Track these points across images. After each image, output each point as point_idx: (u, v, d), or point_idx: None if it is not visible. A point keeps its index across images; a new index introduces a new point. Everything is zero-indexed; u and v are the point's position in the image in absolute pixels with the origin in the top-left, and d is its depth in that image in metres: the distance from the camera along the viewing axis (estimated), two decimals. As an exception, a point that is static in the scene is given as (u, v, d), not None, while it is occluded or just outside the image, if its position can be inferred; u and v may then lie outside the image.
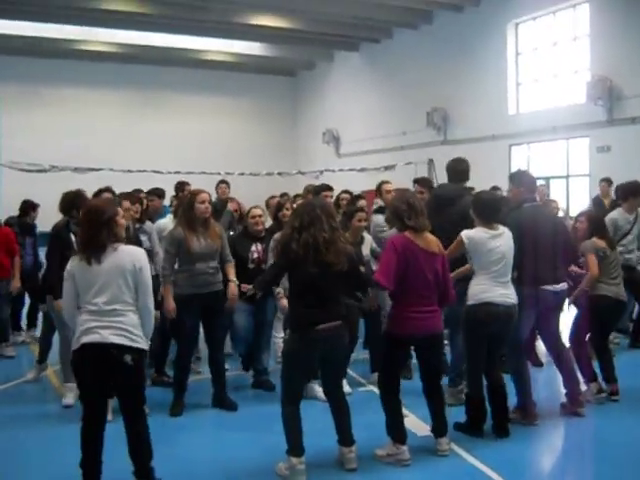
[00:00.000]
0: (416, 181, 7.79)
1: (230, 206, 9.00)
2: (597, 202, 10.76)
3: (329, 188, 8.45)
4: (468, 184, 6.53)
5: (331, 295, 4.64)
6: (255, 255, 6.61)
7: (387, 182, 8.37)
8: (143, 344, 4.21)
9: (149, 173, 16.16)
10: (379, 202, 8.23)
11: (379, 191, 8.27)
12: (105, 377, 4.14)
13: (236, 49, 24.58)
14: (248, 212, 6.88)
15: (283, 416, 4.70)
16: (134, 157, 22.27)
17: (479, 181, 7.64)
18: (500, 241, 5.23)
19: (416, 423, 5.44)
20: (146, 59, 25.28)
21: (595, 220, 6.51)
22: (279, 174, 19.16)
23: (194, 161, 21.23)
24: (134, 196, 6.99)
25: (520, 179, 6.04)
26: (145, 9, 19.57)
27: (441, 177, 18.04)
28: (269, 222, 7.47)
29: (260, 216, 6.76)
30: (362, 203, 7.65)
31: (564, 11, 16.98)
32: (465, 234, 5.28)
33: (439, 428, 5.05)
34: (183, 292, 5.95)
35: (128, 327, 4.13)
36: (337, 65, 26.52)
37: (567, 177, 17.05)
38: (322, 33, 22.64)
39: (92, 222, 4.18)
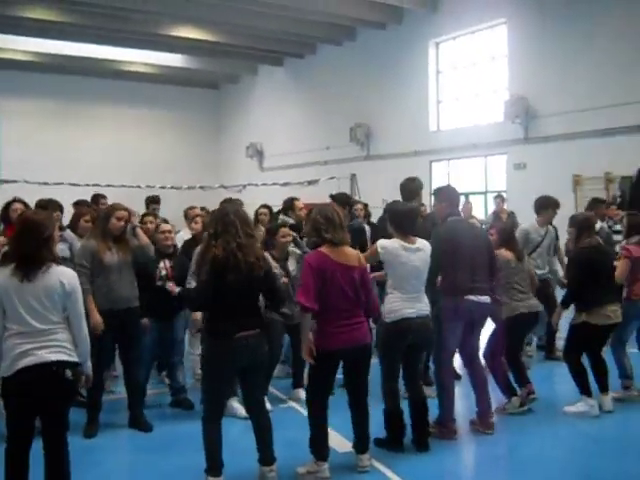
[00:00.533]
0: (332, 197, 7.81)
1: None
2: (495, 217, 11.31)
3: (241, 203, 8.26)
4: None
5: (249, 303, 4.60)
6: (163, 272, 6.35)
7: (297, 199, 8.39)
8: (77, 358, 4.06)
9: (66, 186, 15.71)
10: (286, 218, 8.16)
11: (291, 207, 8.24)
12: (41, 398, 3.92)
13: (158, 60, 24.26)
14: (157, 227, 6.64)
15: (203, 433, 4.59)
16: (51, 169, 21.58)
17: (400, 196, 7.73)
18: (415, 256, 5.24)
19: (337, 439, 5.40)
20: (65, 69, 24.63)
21: (503, 232, 6.55)
22: (201, 188, 19.00)
23: (114, 174, 20.80)
24: (54, 202, 6.80)
25: (444, 194, 6.09)
26: (65, 18, 19.08)
27: (363, 192, 18.25)
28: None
29: (170, 231, 6.59)
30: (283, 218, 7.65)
31: (483, 31, 17.46)
32: (380, 244, 5.30)
33: (361, 444, 5.02)
34: (99, 308, 5.76)
35: (64, 343, 3.98)
36: (261, 79, 26.51)
37: (485, 193, 17.46)
38: (246, 47, 22.60)
39: (32, 238, 3.96)
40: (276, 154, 24.80)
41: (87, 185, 15.85)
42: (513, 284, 6.27)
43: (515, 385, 6.31)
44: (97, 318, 5.68)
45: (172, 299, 6.26)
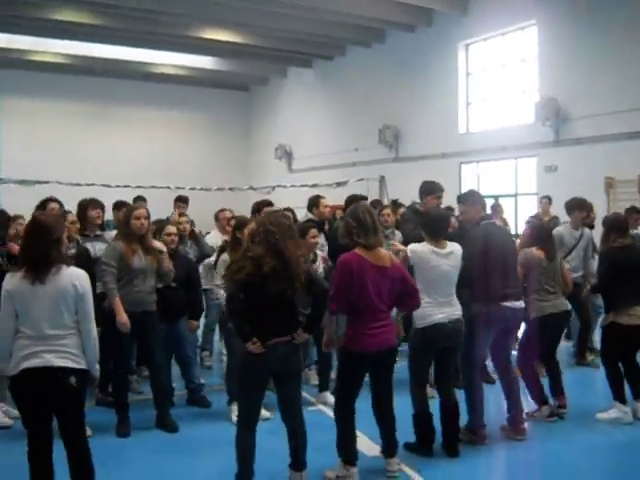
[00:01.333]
0: (347, 201, 7.82)
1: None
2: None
3: (269, 204, 8.24)
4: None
5: (284, 311, 4.53)
6: None
7: (322, 197, 8.31)
8: (84, 365, 4.09)
9: (98, 187, 15.87)
10: (309, 215, 8.16)
11: (315, 205, 8.22)
12: (48, 400, 3.98)
13: (189, 63, 24.40)
14: (163, 228, 6.66)
15: (236, 438, 4.58)
16: (83, 170, 21.80)
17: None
18: (445, 260, 5.24)
19: (366, 443, 5.39)
20: (97, 71, 24.88)
21: (537, 229, 6.45)
22: (230, 189, 19.07)
23: (144, 175, 20.98)
24: (98, 202, 6.90)
25: (474, 198, 6.07)
26: (96, 20, 19.27)
27: (392, 194, 18.18)
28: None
29: (175, 234, 6.65)
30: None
31: (513, 33, 17.31)
32: (410, 248, 5.33)
33: (389, 448, 5.01)
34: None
35: (71, 349, 4.01)
36: (290, 81, 26.56)
37: (515, 195, 17.31)
38: (276, 49, 22.65)
39: (41, 240, 4.00)
40: (305, 156, 24.82)
41: (118, 186, 16.06)
42: (543, 284, 6.20)
43: (549, 393, 6.26)
44: (124, 318, 5.71)
45: (176, 300, 6.36)
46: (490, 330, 5.59)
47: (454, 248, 5.36)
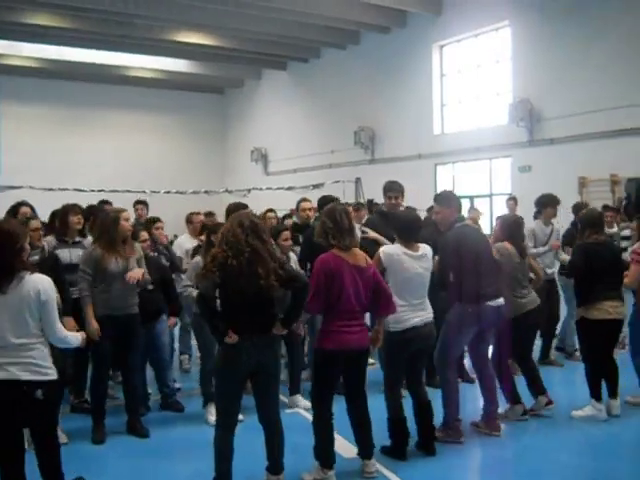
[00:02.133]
0: (319, 203, 7.80)
1: None
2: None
3: (244, 206, 8.15)
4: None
5: (258, 310, 4.47)
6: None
7: (306, 200, 8.26)
8: (53, 375, 4.01)
9: (71, 192, 15.74)
10: (294, 219, 8.20)
11: (297, 208, 8.22)
12: (14, 413, 3.89)
13: (164, 66, 24.28)
14: (137, 234, 6.60)
15: (214, 441, 4.53)
16: (55, 174, 21.62)
17: (407, 199, 7.73)
18: (417, 263, 5.26)
19: (343, 444, 5.37)
20: (70, 75, 24.67)
21: (508, 225, 6.40)
22: (206, 192, 19.00)
23: (119, 179, 20.82)
24: (79, 207, 6.82)
25: (448, 199, 6.05)
26: (69, 24, 19.10)
27: (368, 195, 18.22)
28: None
29: (148, 239, 6.71)
30: (289, 222, 7.66)
31: (487, 34, 17.43)
32: (382, 249, 5.35)
33: (365, 450, 4.99)
34: (97, 313, 5.76)
35: (38, 361, 3.92)
36: (265, 83, 26.51)
37: (490, 196, 17.42)
38: (250, 51, 22.60)
39: (4, 249, 3.89)
40: (281, 158, 24.80)
41: (92, 191, 15.91)
42: (520, 280, 6.19)
43: (530, 391, 6.27)
44: (94, 325, 5.70)
45: (152, 303, 6.33)
46: (465, 329, 5.62)
47: (426, 250, 5.38)
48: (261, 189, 20.00)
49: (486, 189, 17.53)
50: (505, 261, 6.04)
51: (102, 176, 22.32)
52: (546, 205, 8.15)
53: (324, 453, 4.82)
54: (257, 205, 9.21)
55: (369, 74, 20.48)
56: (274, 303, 4.56)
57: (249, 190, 20.70)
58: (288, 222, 8.04)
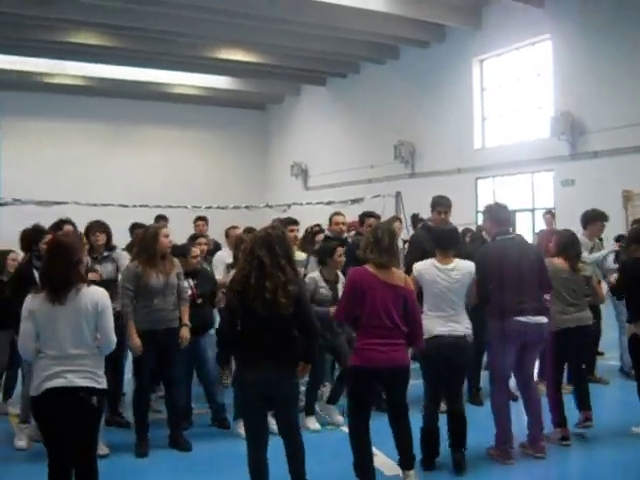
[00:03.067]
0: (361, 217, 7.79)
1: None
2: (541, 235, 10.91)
3: (294, 222, 8.10)
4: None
5: (275, 335, 4.36)
6: (189, 292, 6.39)
7: (339, 214, 8.23)
8: (105, 384, 4.12)
9: (115, 207, 15.96)
10: (327, 232, 8.14)
11: (330, 221, 8.19)
12: (69, 420, 3.97)
13: (205, 83, 24.64)
14: (189, 250, 6.69)
15: (247, 460, 4.48)
16: (100, 191, 22.00)
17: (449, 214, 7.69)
18: (447, 275, 5.29)
19: (384, 461, 5.34)
20: (114, 92, 25.19)
21: (561, 238, 6.22)
22: (247, 207, 19.09)
23: (161, 195, 21.06)
24: (98, 226, 6.89)
25: (488, 212, 6.02)
26: (113, 42, 19.56)
27: (408, 210, 18.11)
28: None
29: (198, 256, 6.71)
30: (320, 237, 7.72)
31: (527, 47, 17.32)
32: (415, 266, 5.46)
33: (406, 461, 4.95)
34: (139, 328, 5.82)
35: (94, 370, 4.04)
36: (305, 99, 26.69)
37: (533, 210, 17.22)
38: (290, 67, 22.82)
39: (62, 261, 4.02)
40: (320, 173, 24.89)
41: (135, 206, 16.12)
42: (563, 295, 5.98)
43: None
44: (136, 341, 5.76)
45: (199, 317, 6.35)
46: (507, 345, 5.49)
47: (460, 264, 5.37)
48: (301, 204, 20.03)
49: (528, 203, 17.34)
50: (552, 277, 5.91)
51: (144, 192, 22.62)
52: (591, 220, 7.94)
53: (361, 469, 4.79)
54: (298, 220, 9.20)
55: (408, 89, 20.47)
56: (289, 324, 4.39)
57: (289, 205, 20.72)
58: (319, 237, 7.97)
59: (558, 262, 6.03)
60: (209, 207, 17.11)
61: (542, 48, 16.86)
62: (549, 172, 16.48)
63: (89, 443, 4.14)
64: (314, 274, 6.45)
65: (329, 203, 19.21)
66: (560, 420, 5.95)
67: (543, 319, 5.57)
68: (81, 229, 7.25)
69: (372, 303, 4.72)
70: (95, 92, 25.13)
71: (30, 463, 5.53)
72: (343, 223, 8.04)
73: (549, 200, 16.44)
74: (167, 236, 6.02)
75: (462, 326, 5.30)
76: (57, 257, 4.06)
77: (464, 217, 9.92)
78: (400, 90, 20.84)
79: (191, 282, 6.47)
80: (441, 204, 6.92)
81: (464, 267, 5.39)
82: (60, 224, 7.16)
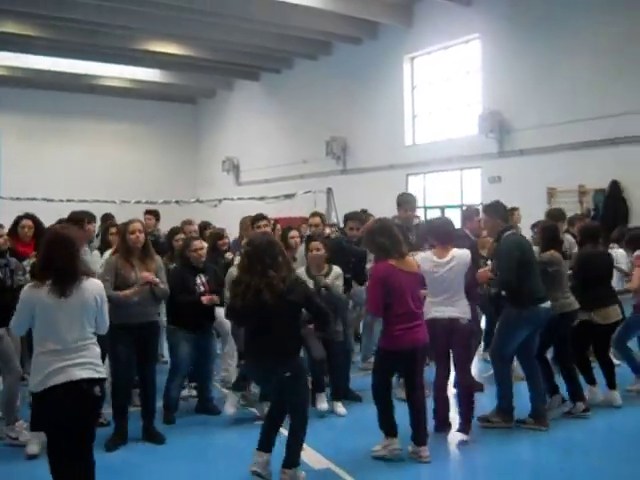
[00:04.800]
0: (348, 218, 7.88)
1: None
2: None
3: (264, 217, 7.96)
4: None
5: (276, 334, 4.79)
6: (202, 288, 6.54)
7: (315, 215, 8.46)
8: (104, 373, 4.18)
9: (39, 201, 15.53)
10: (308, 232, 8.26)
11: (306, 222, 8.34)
12: (74, 413, 3.96)
13: (135, 75, 24.18)
14: (189, 244, 6.73)
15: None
16: (25, 184, 21.34)
17: (379, 209, 7.77)
18: (443, 268, 5.77)
19: (312, 455, 5.36)
20: (40, 84, 24.46)
21: (547, 231, 6.72)
22: (177, 202, 18.87)
23: (89, 189, 20.64)
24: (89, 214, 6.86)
25: (496, 210, 6.42)
26: (39, 32, 18.95)
27: (340, 206, 18.25)
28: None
29: (202, 248, 6.75)
30: (294, 233, 7.72)
31: (457, 46, 17.59)
32: (417, 257, 5.81)
33: (419, 437, 5.39)
34: (115, 321, 5.66)
35: (93, 360, 4.06)
36: (237, 94, 26.51)
37: (461, 206, 17.50)
38: (222, 61, 22.60)
39: (68, 252, 4.02)
40: (252, 168, 24.78)
41: (61, 200, 15.72)
42: (566, 282, 6.57)
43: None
44: (126, 293, 5.81)
45: (204, 313, 6.53)
46: (525, 330, 6.02)
47: (457, 255, 5.83)
48: (232, 199, 19.91)
49: (457, 199, 17.65)
50: (561, 268, 6.51)
51: (72, 185, 22.10)
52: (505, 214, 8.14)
53: (387, 424, 5.39)
54: (228, 216, 9.14)
55: (341, 85, 20.55)
56: (282, 321, 4.81)
57: (220, 200, 20.60)
58: (293, 233, 7.92)
59: (557, 254, 6.54)
60: (138, 202, 16.84)
61: (471, 47, 17.15)
62: (477, 169, 16.80)
63: (90, 433, 4.12)
64: (299, 270, 6.51)
65: (261, 199, 19.17)
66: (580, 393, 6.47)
67: (549, 303, 6.10)
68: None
69: (404, 294, 5.28)
70: (20, 83, 24.31)
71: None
72: (317, 225, 8.23)
73: (477, 196, 16.75)
74: (134, 232, 5.95)
75: (457, 310, 5.81)
76: (60, 248, 4.03)
77: (395, 213, 9.98)
78: (333, 86, 20.89)
79: (203, 278, 6.61)
80: (409, 202, 7.23)
81: (460, 257, 5.82)
82: (20, 219, 7.34)
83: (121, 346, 5.83)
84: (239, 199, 19.73)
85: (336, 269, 6.71)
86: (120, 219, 9.49)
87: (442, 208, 17.15)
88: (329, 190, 19.32)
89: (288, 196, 18.87)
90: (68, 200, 15.10)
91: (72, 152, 25.97)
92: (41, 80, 24.00)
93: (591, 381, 6.72)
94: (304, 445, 4.97)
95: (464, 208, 7.36)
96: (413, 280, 5.40)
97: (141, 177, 26.30)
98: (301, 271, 6.51)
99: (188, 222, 8.48)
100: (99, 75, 23.90)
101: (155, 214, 9.85)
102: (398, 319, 5.27)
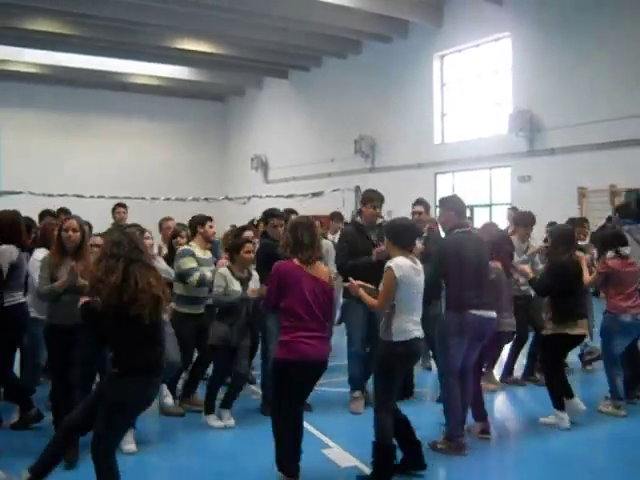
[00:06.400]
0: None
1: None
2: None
3: (210, 219, 7.25)
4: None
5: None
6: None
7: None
8: None
9: (70, 197, 15.70)
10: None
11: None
12: None
13: (164, 73, 24.36)
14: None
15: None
16: (58, 181, 21.63)
17: (407, 208, 7.71)
18: (419, 277, 4.95)
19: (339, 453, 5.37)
20: (73, 81, 24.75)
21: (495, 238, 6.42)
22: (205, 199, 18.98)
23: (120, 185, 20.81)
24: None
25: (450, 203, 5.88)
26: (70, 30, 19.19)
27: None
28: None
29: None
30: (248, 234, 7.15)
31: (487, 44, 17.49)
32: (395, 262, 4.88)
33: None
34: (49, 322, 5.56)
35: None
36: (266, 92, 26.58)
37: (490, 205, 17.42)
38: (252, 60, 22.68)
39: None
40: (281, 166, 24.83)
41: (92, 197, 15.91)
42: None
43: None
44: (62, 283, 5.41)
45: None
46: (463, 338, 5.46)
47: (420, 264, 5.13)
48: (261, 197, 19.98)
49: (486, 198, 17.53)
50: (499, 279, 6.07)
51: (102, 182, 22.36)
52: (522, 224, 7.72)
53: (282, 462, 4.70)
54: (257, 213, 9.12)
55: (370, 83, 20.52)
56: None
57: (249, 198, 20.69)
58: (247, 234, 7.56)
59: (494, 264, 6.13)
60: (167, 199, 17.01)
61: (501, 46, 17.03)
62: (507, 168, 16.68)
63: None
64: (222, 269, 6.18)
65: (289, 196, 19.22)
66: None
67: (494, 314, 5.61)
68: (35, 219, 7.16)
69: (302, 293, 4.66)
70: (52, 81, 24.64)
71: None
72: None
73: (506, 196, 16.64)
74: (67, 230, 5.53)
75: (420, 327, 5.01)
76: None
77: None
78: (362, 84, 20.87)
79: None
80: (375, 199, 6.70)
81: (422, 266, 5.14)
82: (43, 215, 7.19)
83: (54, 348, 5.50)
84: (267, 197, 19.80)
85: (255, 275, 6.36)
86: (151, 216, 9.61)
87: (471, 207, 17.03)
88: (357, 188, 19.27)
89: (316, 194, 18.89)
90: (99, 196, 15.27)
91: (101, 149, 26.24)
92: (70, 78, 24.25)
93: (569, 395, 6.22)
94: (331, 443, 4.90)
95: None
96: (320, 286, 4.73)
97: (170, 174, 26.49)
98: (223, 270, 6.18)
99: (167, 218, 8.24)
100: (129, 73, 24.15)
101: (125, 207, 9.62)
102: (297, 325, 4.65)
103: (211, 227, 6.84)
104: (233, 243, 6.47)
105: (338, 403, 6.55)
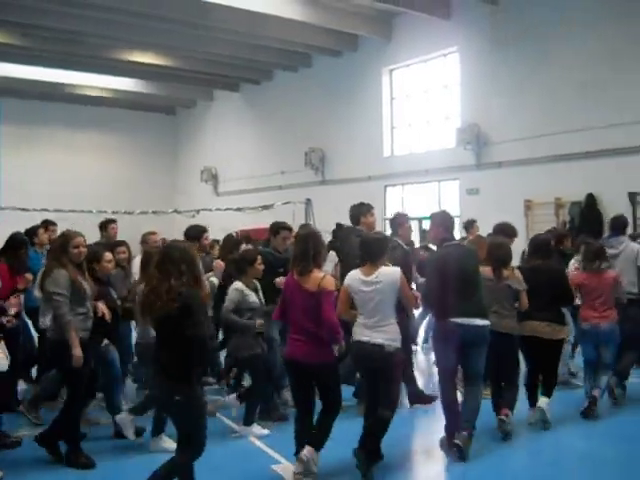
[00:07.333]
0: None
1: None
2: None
3: (204, 230, 8.06)
4: None
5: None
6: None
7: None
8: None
9: (14, 210, 15.33)
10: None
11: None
12: None
13: (114, 85, 24.05)
14: (101, 256, 6.34)
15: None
16: (5, 194, 21.11)
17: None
18: (369, 287, 5.36)
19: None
20: (18, 93, 24.25)
21: (489, 245, 6.67)
22: (154, 212, 18.76)
23: (65, 198, 20.46)
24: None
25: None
26: (16, 41, 18.81)
27: (318, 217, 18.26)
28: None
29: (111, 261, 6.43)
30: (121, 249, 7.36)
31: (436, 60, 17.72)
32: (347, 277, 5.61)
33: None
34: (59, 337, 5.45)
35: None
36: (217, 104, 26.48)
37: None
38: (203, 72, 22.57)
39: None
40: (231, 179, 24.73)
41: (35, 210, 15.54)
42: (491, 302, 6.14)
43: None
44: (80, 352, 5.35)
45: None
46: (447, 345, 5.77)
47: (382, 273, 5.36)
48: (210, 210, 19.85)
49: (435, 211, 17.64)
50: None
51: (49, 195, 21.89)
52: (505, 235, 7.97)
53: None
54: (207, 226, 9.05)
55: (320, 96, 20.61)
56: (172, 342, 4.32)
57: (198, 211, 20.52)
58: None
59: (484, 269, 6.27)
60: (115, 212, 16.70)
61: (450, 60, 17.27)
62: (455, 181, 16.89)
63: None
64: (237, 284, 6.32)
65: (239, 209, 19.13)
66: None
67: (482, 321, 5.78)
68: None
69: (294, 305, 5.26)
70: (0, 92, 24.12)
71: None
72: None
73: (455, 208, 16.81)
74: (77, 247, 5.67)
75: (383, 337, 5.27)
76: None
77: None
78: (312, 98, 20.94)
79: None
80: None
81: (387, 276, 5.37)
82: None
83: (84, 364, 5.46)
84: (217, 209, 19.67)
85: (258, 285, 6.69)
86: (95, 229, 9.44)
87: (420, 219, 17.18)
88: (308, 201, 19.32)
89: (266, 207, 18.83)
90: (42, 209, 14.90)
91: (48, 162, 25.68)
92: (17, 89, 23.75)
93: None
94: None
95: (392, 215, 7.36)
96: (308, 297, 5.14)
97: (119, 187, 26.08)
98: (239, 285, 6.40)
99: (152, 233, 8.24)
100: (78, 84, 23.73)
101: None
102: (290, 329, 5.43)
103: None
104: (244, 256, 6.66)
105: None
